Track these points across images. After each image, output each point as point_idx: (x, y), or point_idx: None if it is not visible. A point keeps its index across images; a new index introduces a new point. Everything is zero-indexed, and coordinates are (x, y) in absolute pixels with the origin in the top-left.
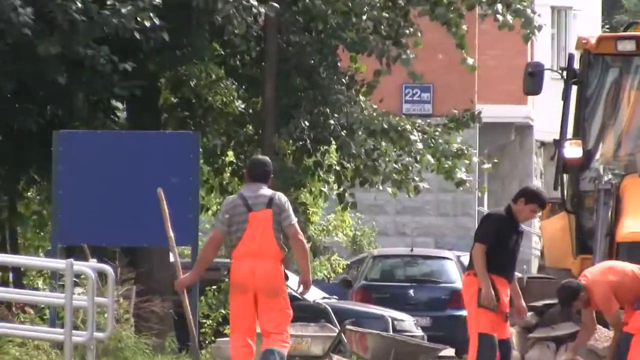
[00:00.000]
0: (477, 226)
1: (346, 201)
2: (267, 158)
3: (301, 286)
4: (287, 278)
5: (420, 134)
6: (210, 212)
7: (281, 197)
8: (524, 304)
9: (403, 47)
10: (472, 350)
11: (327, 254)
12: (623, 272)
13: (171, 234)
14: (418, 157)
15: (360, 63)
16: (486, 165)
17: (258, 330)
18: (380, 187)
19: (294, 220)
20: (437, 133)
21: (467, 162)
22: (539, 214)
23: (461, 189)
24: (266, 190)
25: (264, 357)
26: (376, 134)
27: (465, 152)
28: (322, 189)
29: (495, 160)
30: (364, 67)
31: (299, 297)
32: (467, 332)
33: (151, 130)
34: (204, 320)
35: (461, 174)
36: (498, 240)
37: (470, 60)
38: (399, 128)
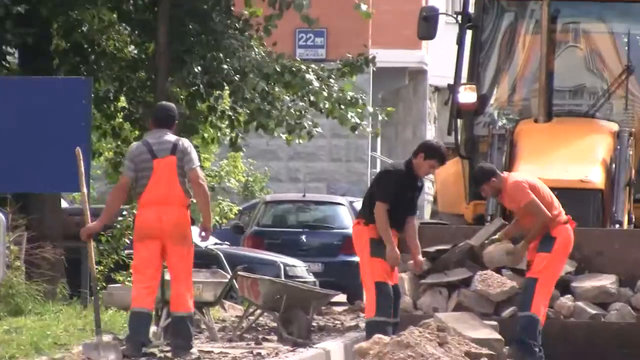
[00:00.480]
0: (375, 179)
1: (238, 145)
2: (171, 104)
3: (203, 233)
4: (193, 223)
5: (315, 77)
6: (102, 158)
7: (185, 142)
8: (421, 258)
9: None
10: (370, 298)
11: (222, 198)
12: (542, 186)
13: (84, 190)
14: (312, 98)
15: (256, 7)
16: (380, 117)
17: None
18: (275, 134)
19: (196, 164)
20: (331, 79)
21: (360, 111)
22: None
23: (356, 133)
24: (170, 136)
25: (174, 327)
26: (269, 77)
27: (360, 100)
28: (217, 134)
29: (390, 109)
30: (260, 11)
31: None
32: (360, 280)
33: (43, 76)
34: (96, 267)
35: (355, 119)
36: (396, 197)
37: (364, 7)
38: (293, 69)
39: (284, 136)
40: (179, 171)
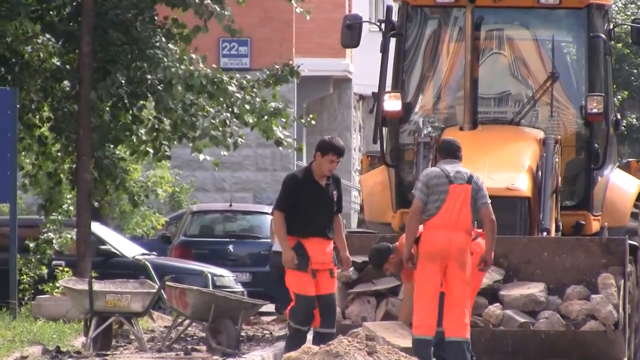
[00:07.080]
0: None
1: (162, 154)
2: None
3: None
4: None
5: (238, 88)
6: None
7: None
8: (348, 254)
9: (221, 3)
10: None
11: (150, 208)
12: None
13: None
14: (236, 111)
15: (183, 20)
16: (304, 121)
17: None
18: (201, 154)
19: None
20: (254, 89)
21: (284, 120)
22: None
23: (280, 149)
24: None
25: None
26: (194, 89)
27: (283, 110)
28: (148, 150)
29: (311, 118)
30: (185, 30)
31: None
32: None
33: None
34: (20, 278)
35: (279, 133)
36: (294, 201)
37: (299, 10)
38: (215, 80)
39: (209, 158)
40: None
